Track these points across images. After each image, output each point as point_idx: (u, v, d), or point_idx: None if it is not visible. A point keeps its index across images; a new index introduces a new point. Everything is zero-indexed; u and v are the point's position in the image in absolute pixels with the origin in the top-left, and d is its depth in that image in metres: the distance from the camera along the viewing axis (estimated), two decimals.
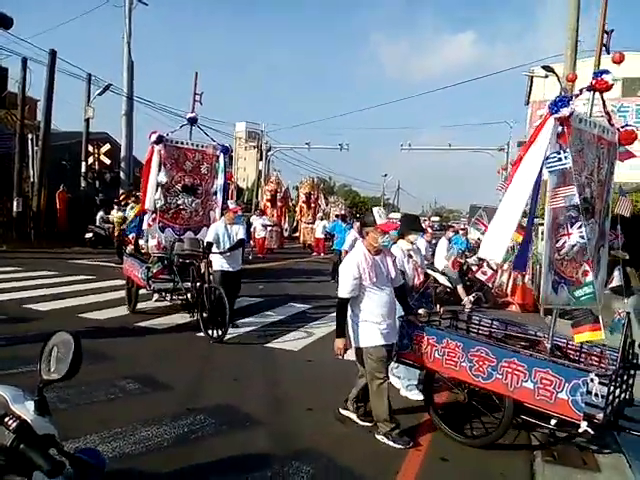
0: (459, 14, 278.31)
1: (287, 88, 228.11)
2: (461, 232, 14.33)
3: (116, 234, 16.00)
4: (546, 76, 16.43)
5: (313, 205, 25.58)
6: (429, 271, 12.57)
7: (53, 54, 18.33)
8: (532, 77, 21.98)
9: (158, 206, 8.01)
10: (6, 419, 1.36)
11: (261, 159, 36.54)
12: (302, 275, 14.79)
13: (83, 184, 21.90)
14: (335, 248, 14.71)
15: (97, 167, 22.57)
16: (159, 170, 8.00)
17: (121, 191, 19.99)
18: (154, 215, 8.07)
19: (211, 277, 7.54)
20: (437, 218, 54.64)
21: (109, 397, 4.76)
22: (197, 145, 8.53)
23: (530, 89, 24.22)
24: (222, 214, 8.10)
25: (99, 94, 21.54)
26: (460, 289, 10.83)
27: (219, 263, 7.56)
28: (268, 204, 24.53)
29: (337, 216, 18.66)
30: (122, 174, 22.60)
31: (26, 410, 1.41)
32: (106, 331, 7.06)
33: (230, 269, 7.55)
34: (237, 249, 7.68)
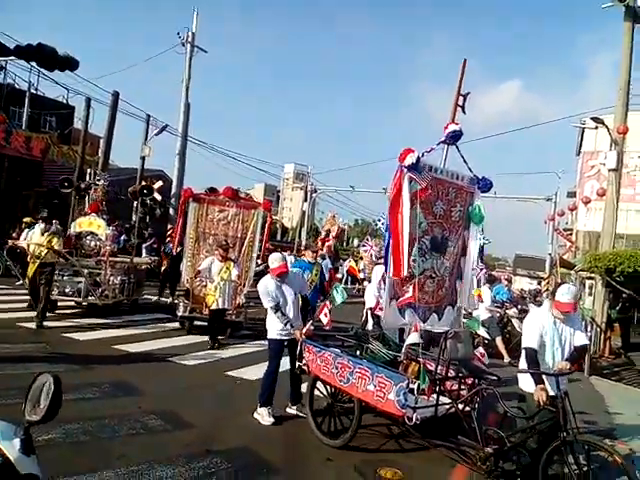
0: (505, 63, 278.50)
1: (336, 133, 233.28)
2: (505, 282, 13.72)
3: (31, 271, 9.16)
4: (596, 127, 16.12)
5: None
6: (466, 321, 12.16)
7: (116, 95, 19.51)
8: (583, 128, 21.66)
9: (417, 271, 4.85)
10: None
11: (305, 200, 36.99)
12: None
13: (134, 218, 22.76)
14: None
15: (149, 202, 23.45)
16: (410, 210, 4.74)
17: (169, 226, 20.62)
18: (411, 286, 4.81)
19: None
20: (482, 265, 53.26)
21: (131, 432, 4.78)
22: (453, 176, 5.38)
23: (581, 140, 23.83)
24: (550, 292, 5.11)
25: (156, 134, 22.61)
26: (499, 341, 10.46)
27: (532, 384, 4.12)
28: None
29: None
30: (171, 210, 23.41)
31: (12, 448, 1.43)
32: (138, 365, 7.14)
33: (552, 392, 4.05)
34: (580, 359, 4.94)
